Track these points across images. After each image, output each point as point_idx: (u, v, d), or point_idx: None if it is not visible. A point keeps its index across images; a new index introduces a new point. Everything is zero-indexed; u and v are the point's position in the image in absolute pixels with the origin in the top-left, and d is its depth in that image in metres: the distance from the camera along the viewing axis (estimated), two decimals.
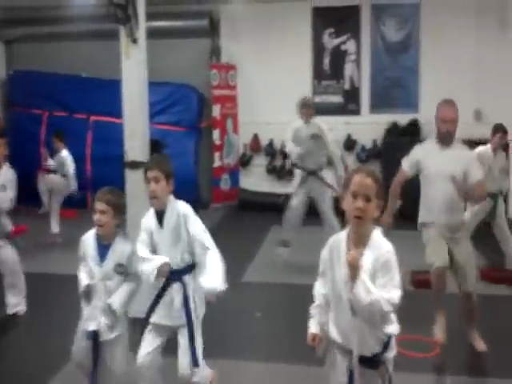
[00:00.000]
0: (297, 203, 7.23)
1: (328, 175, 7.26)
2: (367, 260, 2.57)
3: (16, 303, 5.59)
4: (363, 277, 2.52)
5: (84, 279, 3.52)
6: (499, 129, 6.87)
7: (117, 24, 5.44)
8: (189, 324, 3.51)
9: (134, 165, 5.43)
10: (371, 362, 2.69)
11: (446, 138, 4.70)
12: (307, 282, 6.58)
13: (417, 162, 4.88)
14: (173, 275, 3.52)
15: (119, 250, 3.49)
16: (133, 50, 5.47)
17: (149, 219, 3.63)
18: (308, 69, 10.92)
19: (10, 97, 11.27)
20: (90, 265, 3.52)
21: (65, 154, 8.33)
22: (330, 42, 10.87)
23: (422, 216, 4.92)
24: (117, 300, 3.45)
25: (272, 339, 5.05)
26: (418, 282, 5.95)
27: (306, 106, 7.18)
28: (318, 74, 10.96)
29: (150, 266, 3.47)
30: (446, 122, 4.67)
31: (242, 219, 9.95)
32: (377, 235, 2.64)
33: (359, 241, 2.62)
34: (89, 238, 3.56)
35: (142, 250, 3.56)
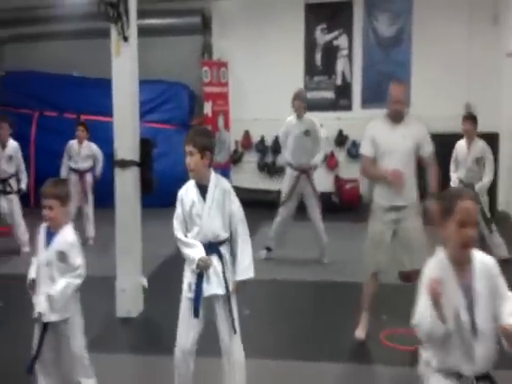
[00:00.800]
0: (286, 214, 7.21)
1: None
2: (480, 283, 2.59)
3: None
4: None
5: (31, 273, 3.62)
6: (466, 116, 7.06)
7: (108, 22, 5.41)
8: (227, 293, 3.61)
9: (124, 163, 5.42)
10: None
11: (395, 116, 4.84)
12: (297, 277, 6.60)
13: (372, 140, 4.88)
14: (211, 248, 3.60)
15: (62, 238, 3.57)
16: (124, 48, 5.44)
17: (189, 191, 3.67)
18: (300, 65, 10.91)
19: (1, 98, 11.18)
20: (38, 252, 3.63)
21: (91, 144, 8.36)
22: (321, 37, 10.87)
23: (376, 196, 4.94)
24: (54, 290, 3.48)
25: (260, 336, 5.01)
26: (405, 277, 5.95)
27: (298, 98, 7.17)
28: (310, 69, 10.96)
29: (191, 253, 3.56)
30: (395, 102, 4.81)
31: None
32: (475, 252, 2.65)
33: (463, 262, 2.62)
34: (41, 227, 3.67)
35: (180, 231, 3.63)
